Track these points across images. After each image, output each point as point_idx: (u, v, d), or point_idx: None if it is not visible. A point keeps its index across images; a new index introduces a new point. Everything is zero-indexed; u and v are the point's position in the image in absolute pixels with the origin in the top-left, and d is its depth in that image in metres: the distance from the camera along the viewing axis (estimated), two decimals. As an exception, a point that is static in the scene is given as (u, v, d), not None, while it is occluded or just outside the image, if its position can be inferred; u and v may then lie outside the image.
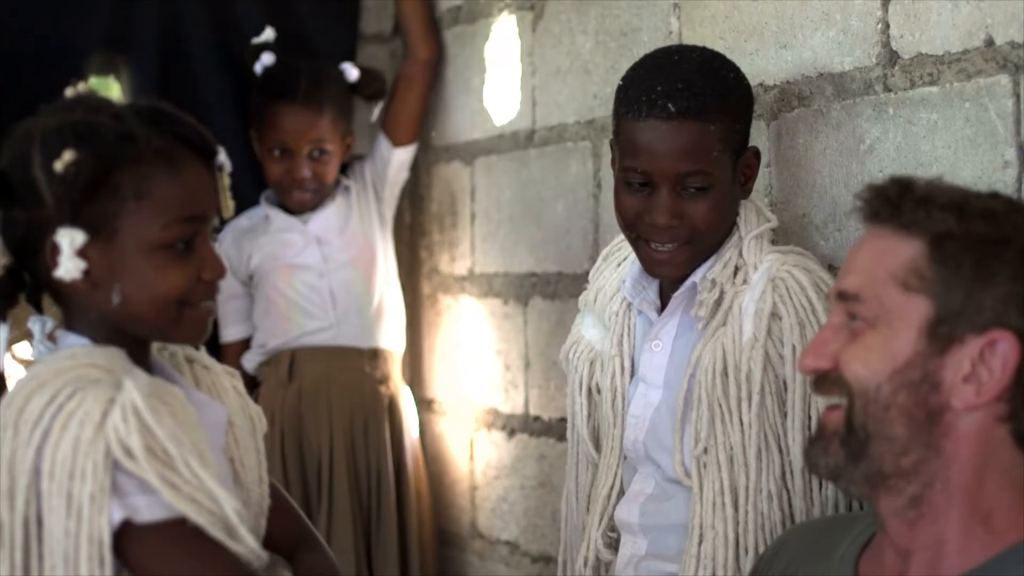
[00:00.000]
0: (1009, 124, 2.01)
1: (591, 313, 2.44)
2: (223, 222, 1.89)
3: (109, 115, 1.78)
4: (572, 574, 2.47)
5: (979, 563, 1.66)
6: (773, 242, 2.29)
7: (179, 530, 1.70)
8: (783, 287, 2.19)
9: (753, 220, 2.28)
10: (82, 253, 1.75)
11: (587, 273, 2.95)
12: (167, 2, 3.50)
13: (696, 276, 2.26)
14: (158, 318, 1.80)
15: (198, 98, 3.43)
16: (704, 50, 2.30)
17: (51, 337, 1.84)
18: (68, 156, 1.72)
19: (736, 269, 2.24)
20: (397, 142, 3.61)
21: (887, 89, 2.24)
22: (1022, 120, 2.00)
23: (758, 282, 2.21)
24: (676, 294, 2.28)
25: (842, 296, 1.73)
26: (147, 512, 1.70)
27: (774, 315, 2.18)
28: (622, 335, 2.37)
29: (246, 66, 3.53)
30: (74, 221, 1.74)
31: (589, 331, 2.44)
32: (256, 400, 3.46)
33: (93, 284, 1.77)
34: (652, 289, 2.34)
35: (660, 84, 2.19)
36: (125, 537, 1.69)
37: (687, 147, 2.18)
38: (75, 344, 1.80)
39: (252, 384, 3.52)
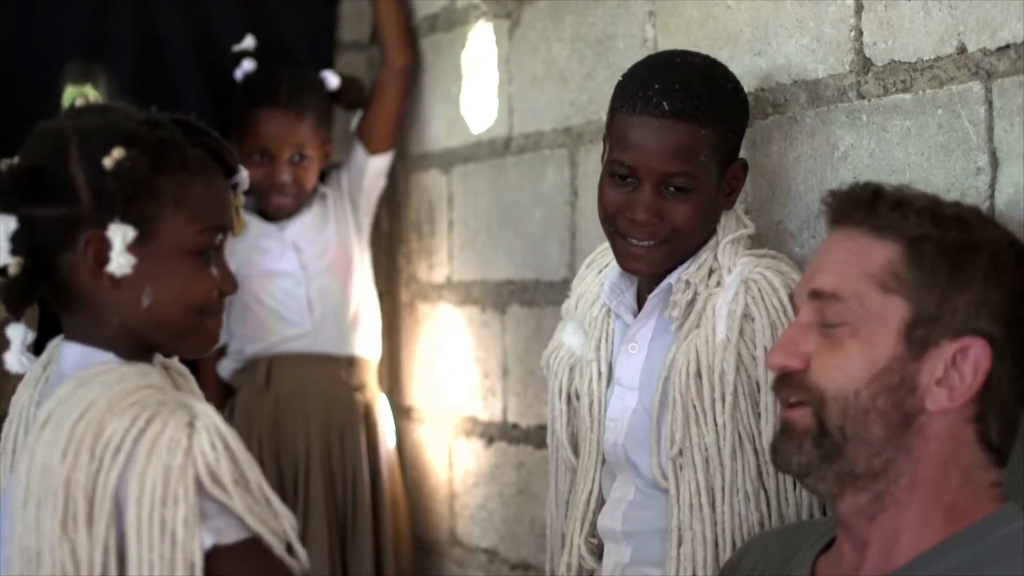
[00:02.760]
0: (981, 131, 2.02)
1: (572, 320, 2.45)
2: None
3: (142, 122, 1.80)
4: None
5: (929, 547, 1.69)
6: (749, 248, 2.29)
7: (255, 550, 1.72)
8: (755, 288, 2.20)
9: (732, 226, 2.29)
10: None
11: (564, 281, 2.96)
12: (145, 10, 3.50)
13: (671, 278, 2.27)
14: (183, 323, 1.81)
15: (176, 106, 3.39)
16: (706, 58, 2.31)
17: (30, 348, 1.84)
18: (118, 153, 1.73)
19: (711, 271, 2.25)
20: (373, 150, 3.61)
21: (860, 96, 2.24)
22: (994, 127, 2.00)
23: (731, 284, 2.22)
24: (651, 295, 2.29)
25: (816, 295, 1.74)
26: (227, 534, 1.71)
27: (746, 316, 2.19)
28: (600, 339, 2.38)
29: (225, 74, 3.53)
30: (123, 218, 1.75)
31: (570, 338, 2.45)
32: (233, 407, 3.48)
33: (120, 285, 1.77)
34: (630, 293, 2.35)
35: (658, 83, 2.21)
36: (210, 559, 1.71)
37: (676, 147, 2.20)
38: (102, 359, 1.80)
39: (228, 391, 3.52)
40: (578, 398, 2.42)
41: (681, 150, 2.20)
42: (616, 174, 2.25)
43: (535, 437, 3.15)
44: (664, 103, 2.19)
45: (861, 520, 1.73)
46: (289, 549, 1.74)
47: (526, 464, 3.21)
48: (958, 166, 2.05)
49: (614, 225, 2.27)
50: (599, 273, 2.44)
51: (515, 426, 3.26)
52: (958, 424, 1.70)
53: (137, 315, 1.79)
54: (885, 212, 1.72)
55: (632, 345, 2.32)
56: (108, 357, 1.80)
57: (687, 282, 2.24)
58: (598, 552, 2.39)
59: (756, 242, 2.37)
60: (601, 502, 2.38)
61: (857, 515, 1.73)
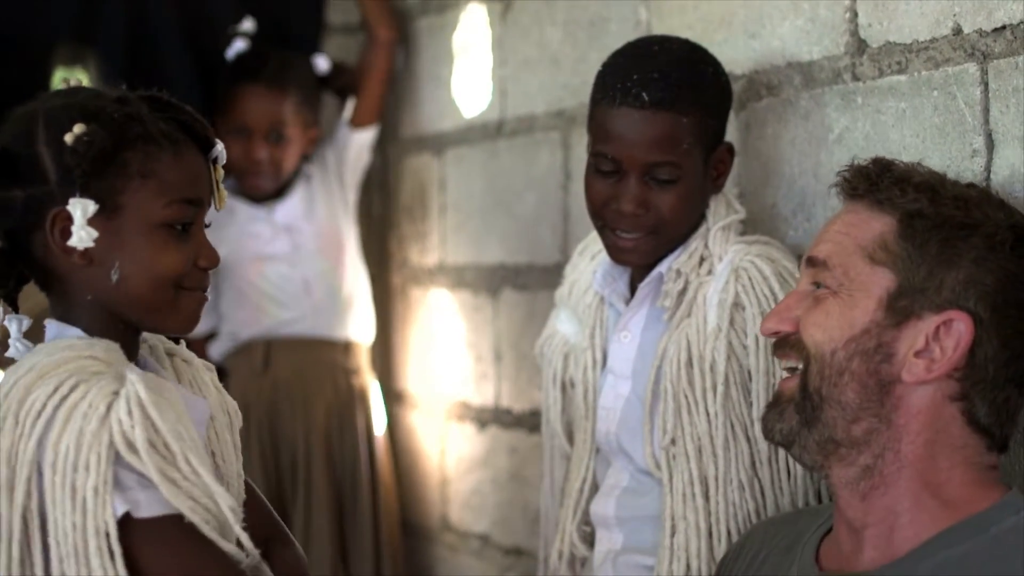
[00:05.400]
0: (977, 113, 2.01)
1: (566, 307, 2.44)
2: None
3: (112, 99, 1.79)
4: (548, 570, 2.47)
5: (931, 535, 1.69)
6: (741, 233, 2.28)
7: (175, 527, 1.69)
8: (745, 277, 2.19)
9: (722, 212, 2.27)
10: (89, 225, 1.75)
11: (557, 264, 2.95)
12: (136, -7, 3.49)
13: (662, 266, 2.26)
14: (155, 298, 1.79)
15: (165, 88, 3.40)
16: (685, 42, 2.29)
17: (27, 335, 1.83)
18: (79, 129, 1.73)
19: (701, 259, 2.24)
20: (356, 124, 3.60)
21: (856, 78, 2.23)
22: (990, 109, 1.99)
23: (722, 272, 2.21)
24: (642, 284, 2.28)
25: (811, 262, 1.79)
26: (146, 507, 1.69)
27: (737, 305, 2.19)
28: (594, 327, 2.37)
29: (215, 57, 3.51)
30: (83, 193, 1.74)
31: (564, 325, 2.44)
32: (226, 389, 3.46)
33: (91, 260, 1.76)
34: (622, 281, 2.34)
35: (636, 73, 2.19)
36: (125, 531, 1.68)
37: (658, 137, 2.18)
38: (70, 334, 1.79)
39: (220, 374, 3.50)
40: (572, 386, 2.41)
41: (664, 140, 2.18)
42: (600, 168, 2.24)
43: (528, 422, 3.15)
44: (644, 94, 2.17)
45: (853, 499, 1.75)
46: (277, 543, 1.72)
47: (519, 449, 3.20)
48: (954, 148, 2.04)
49: (602, 219, 2.26)
50: (592, 259, 2.43)
51: (508, 411, 3.25)
52: (940, 401, 1.71)
53: (108, 291, 1.78)
54: (887, 186, 1.76)
55: (624, 334, 2.31)
56: (75, 333, 1.79)
57: (678, 271, 2.23)
58: (590, 540, 2.39)
59: (750, 226, 2.37)
60: (595, 490, 2.38)
61: (848, 491, 1.75)
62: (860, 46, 2.22)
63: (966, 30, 2.02)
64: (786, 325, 1.79)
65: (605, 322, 2.37)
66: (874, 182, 1.77)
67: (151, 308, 1.80)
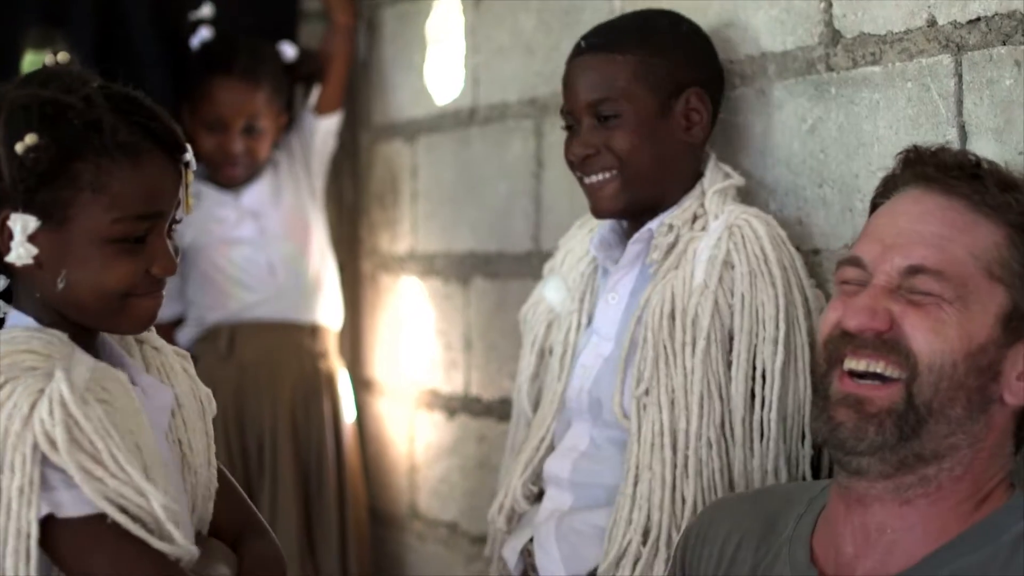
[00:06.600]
0: (951, 104, 2.01)
1: (556, 276, 2.44)
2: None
3: (80, 97, 1.73)
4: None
5: (946, 540, 1.63)
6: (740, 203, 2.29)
7: (100, 526, 1.66)
8: (739, 235, 2.18)
9: (719, 177, 2.29)
10: (33, 237, 1.72)
11: (528, 253, 2.95)
12: (106, -25, 3.46)
13: (653, 223, 2.26)
14: (100, 309, 1.76)
15: (135, 73, 3.37)
16: (670, 12, 2.36)
17: None
18: (30, 140, 1.69)
19: (695, 217, 2.26)
20: (321, 111, 3.59)
21: (829, 68, 2.23)
22: (964, 100, 1.99)
23: (715, 229, 2.21)
24: (632, 241, 2.28)
25: (916, 270, 1.63)
26: (70, 507, 1.66)
27: (727, 263, 2.18)
28: (584, 292, 2.38)
29: (185, 42, 3.49)
30: (27, 206, 1.71)
31: (551, 293, 2.44)
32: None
33: (40, 266, 1.74)
34: (618, 249, 2.34)
35: (591, 31, 2.31)
36: (49, 532, 1.66)
37: (593, 77, 2.29)
38: (19, 324, 1.76)
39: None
40: (550, 353, 2.41)
41: (598, 79, 2.28)
42: (567, 126, 2.33)
43: (497, 410, 3.14)
44: (583, 42, 2.31)
45: (893, 504, 1.66)
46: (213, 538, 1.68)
47: (488, 437, 3.20)
48: (927, 139, 2.02)
49: (576, 171, 2.32)
50: (590, 232, 2.43)
51: (477, 399, 3.24)
52: (1010, 418, 1.66)
53: (55, 295, 1.75)
54: (995, 191, 1.64)
55: (612, 295, 2.31)
56: (27, 322, 1.76)
57: (669, 225, 2.24)
58: (535, 498, 2.38)
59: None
60: (550, 450, 2.37)
61: (891, 495, 1.65)
62: (834, 37, 2.22)
63: (940, 22, 2.02)
64: (879, 322, 1.63)
65: (596, 288, 2.37)
66: (976, 180, 1.65)
67: (98, 315, 1.77)
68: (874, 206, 1.77)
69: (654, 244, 2.25)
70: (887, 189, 1.75)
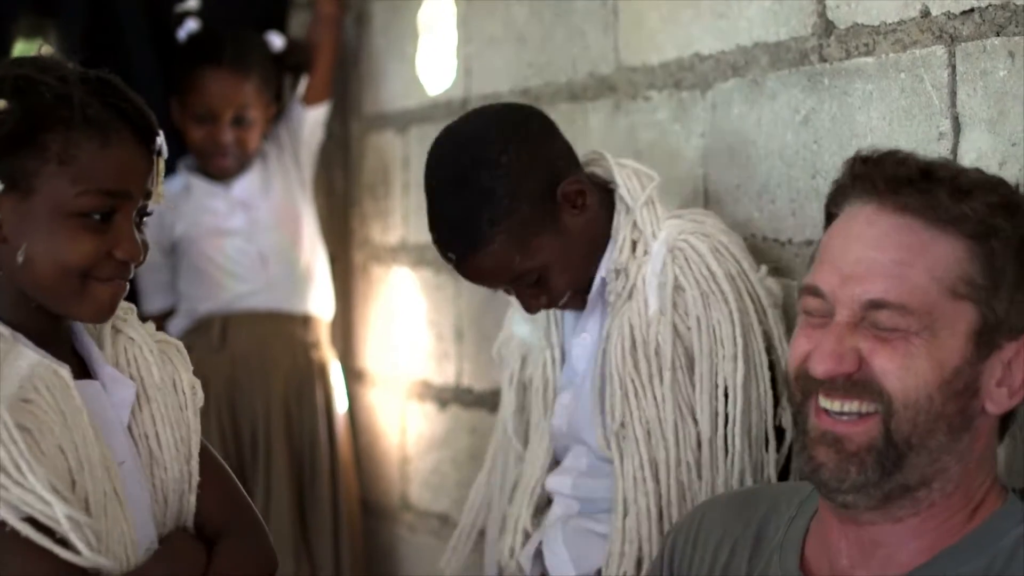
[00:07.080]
0: (944, 95, 2.01)
1: (519, 310, 2.42)
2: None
3: (55, 76, 1.74)
4: (494, 557, 2.45)
5: (940, 549, 1.61)
6: (669, 208, 2.28)
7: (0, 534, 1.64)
8: (682, 258, 2.18)
9: (636, 185, 2.26)
10: None
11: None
12: (96, -34, 3.46)
13: (601, 271, 2.25)
14: (58, 286, 1.74)
15: (123, 63, 3.38)
16: (462, 153, 2.28)
17: None
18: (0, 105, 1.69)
19: (634, 244, 2.23)
20: (308, 102, 3.59)
21: (823, 59, 2.22)
22: (957, 91, 1.99)
23: (658, 252, 2.20)
24: (590, 296, 2.28)
25: (878, 305, 1.57)
26: None
27: (677, 288, 2.18)
28: (549, 327, 2.37)
29: (173, 33, 3.49)
30: None
31: (518, 327, 2.45)
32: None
33: (4, 239, 1.72)
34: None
35: (440, 240, 2.25)
36: None
37: (490, 278, 2.25)
38: None
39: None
40: (530, 385, 2.41)
41: (498, 273, 2.22)
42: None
43: (489, 401, 3.14)
44: (451, 255, 2.23)
45: (885, 522, 1.63)
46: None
47: (479, 428, 3.20)
48: (920, 131, 2.04)
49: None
50: None
51: (469, 390, 3.24)
52: (995, 421, 1.63)
53: (15, 271, 1.73)
54: (949, 203, 1.57)
55: (584, 335, 2.31)
56: None
57: (617, 271, 2.23)
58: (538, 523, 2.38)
59: (714, 205, 2.36)
60: (546, 477, 2.38)
61: (882, 515, 1.63)
62: (827, 27, 2.21)
63: (934, 12, 2.02)
64: (847, 365, 1.57)
65: (560, 321, 2.37)
66: (927, 192, 1.58)
67: (55, 295, 1.75)
68: (828, 214, 1.70)
69: (610, 291, 2.24)
70: (838, 200, 1.67)
